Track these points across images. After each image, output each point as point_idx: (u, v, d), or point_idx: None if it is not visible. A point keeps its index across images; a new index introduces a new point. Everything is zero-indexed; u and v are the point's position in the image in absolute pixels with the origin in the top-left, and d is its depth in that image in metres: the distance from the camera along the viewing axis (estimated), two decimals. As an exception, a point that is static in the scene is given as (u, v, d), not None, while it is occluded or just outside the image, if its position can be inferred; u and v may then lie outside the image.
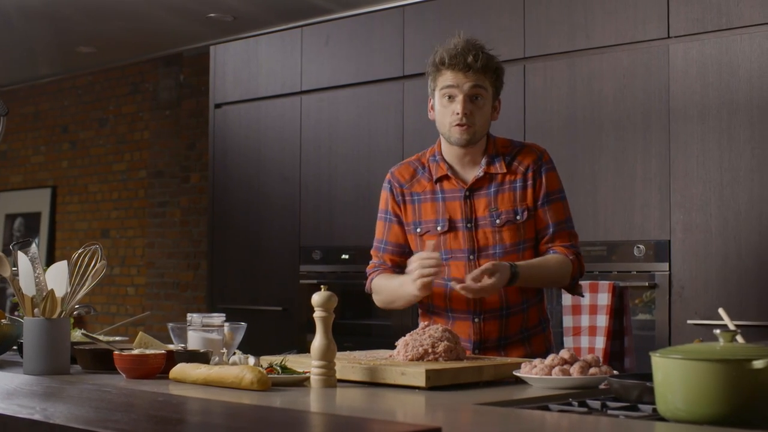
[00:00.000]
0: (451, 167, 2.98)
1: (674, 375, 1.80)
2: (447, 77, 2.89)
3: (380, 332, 5.24)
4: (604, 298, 4.16)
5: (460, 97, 2.87)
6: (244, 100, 5.95)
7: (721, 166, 4.07)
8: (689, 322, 4.09)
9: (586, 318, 4.20)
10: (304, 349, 5.10)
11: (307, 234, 5.55)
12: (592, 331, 4.18)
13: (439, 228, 2.95)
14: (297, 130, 5.64)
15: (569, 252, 2.92)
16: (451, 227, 2.94)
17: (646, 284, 4.21)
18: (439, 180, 2.98)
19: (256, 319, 5.22)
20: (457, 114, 2.87)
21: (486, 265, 2.76)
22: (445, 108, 2.91)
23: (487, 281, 2.73)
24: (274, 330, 5.55)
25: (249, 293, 5.81)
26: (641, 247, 4.24)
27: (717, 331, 1.88)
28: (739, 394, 1.74)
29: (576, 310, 4.22)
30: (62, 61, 7.96)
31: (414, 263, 2.77)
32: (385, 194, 3.09)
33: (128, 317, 8.00)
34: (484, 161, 2.95)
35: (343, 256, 5.37)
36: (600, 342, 4.13)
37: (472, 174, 2.96)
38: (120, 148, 8.31)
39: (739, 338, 2.01)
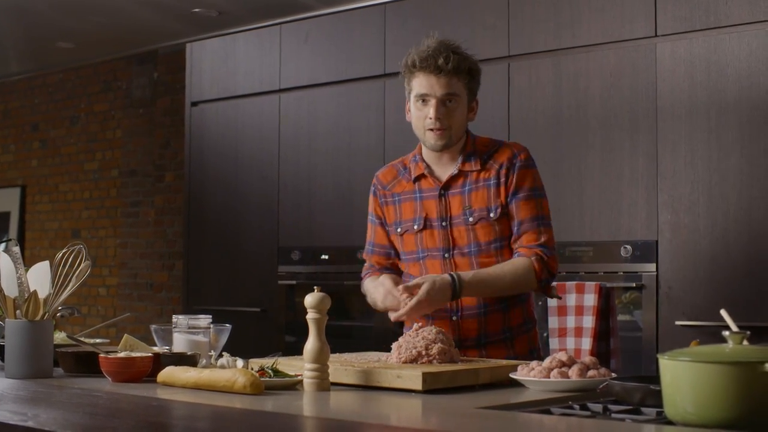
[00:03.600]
0: (428, 166, 2.98)
1: (683, 378, 1.75)
2: (420, 81, 2.89)
3: (361, 334, 5.19)
4: (590, 299, 4.13)
5: (433, 102, 2.86)
6: (221, 98, 5.88)
7: (710, 166, 4.04)
8: (677, 323, 4.07)
9: (572, 319, 4.16)
10: (285, 351, 5.05)
11: (285, 234, 5.49)
12: (578, 332, 4.14)
13: (415, 227, 2.96)
14: (275, 129, 5.58)
15: (532, 252, 2.86)
16: (427, 225, 2.94)
17: (633, 285, 4.19)
18: (417, 179, 2.99)
19: (234, 320, 5.12)
20: (431, 119, 2.87)
21: (416, 280, 2.76)
22: (419, 111, 2.91)
23: (415, 298, 2.71)
24: (252, 332, 5.48)
25: (226, 294, 5.74)
26: (628, 247, 4.21)
27: (726, 333, 1.84)
28: (750, 398, 1.71)
29: (562, 311, 4.18)
30: (38, 57, 7.85)
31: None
32: (371, 197, 3.12)
33: (100, 318, 7.92)
34: (459, 159, 2.95)
35: (323, 257, 5.32)
36: (586, 343, 4.10)
37: (447, 172, 2.96)
38: (91, 147, 8.21)
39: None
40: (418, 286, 2.74)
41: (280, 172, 5.54)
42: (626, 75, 4.29)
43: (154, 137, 7.65)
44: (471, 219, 2.90)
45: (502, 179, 2.90)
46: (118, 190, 7.94)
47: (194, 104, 6.01)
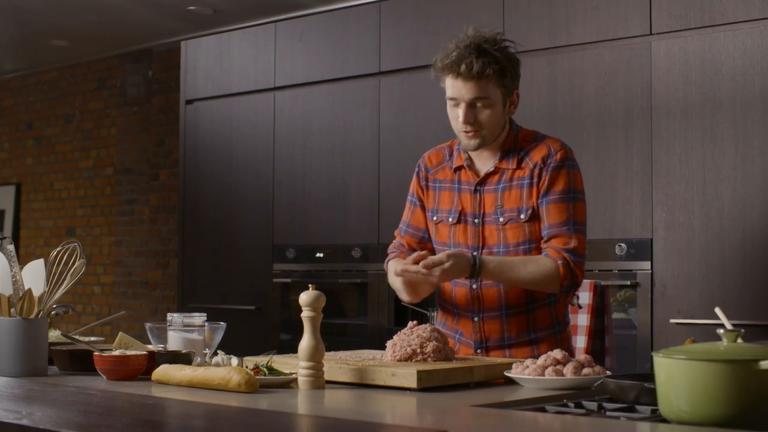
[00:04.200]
0: (469, 158, 2.92)
1: (678, 376, 1.75)
2: (449, 83, 2.82)
3: (355, 332, 5.19)
4: (585, 297, 4.12)
5: (462, 105, 2.80)
6: (216, 96, 5.87)
7: (704, 164, 4.05)
8: (672, 321, 4.07)
9: (567, 317, 4.15)
10: (280, 349, 5.05)
11: (280, 232, 5.49)
12: (573, 330, 4.13)
13: (450, 219, 2.92)
14: (270, 127, 5.57)
15: (559, 256, 2.79)
16: (461, 219, 2.90)
17: (628, 283, 4.19)
18: (458, 170, 2.94)
19: (228, 318, 5.14)
20: (461, 121, 2.81)
21: (440, 255, 2.71)
22: (452, 112, 2.86)
23: (435, 269, 2.67)
24: (247, 330, 5.47)
25: (221, 292, 5.74)
26: (623, 245, 4.21)
27: (720, 331, 1.84)
28: (745, 396, 1.71)
29: (556, 309, 4.18)
30: (32, 55, 7.82)
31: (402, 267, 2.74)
32: (414, 178, 3.06)
33: (94, 316, 7.91)
34: (498, 155, 2.88)
35: (318, 255, 5.31)
36: (581, 341, 4.09)
37: (486, 167, 2.90)
38: (86, 145, 8.20)
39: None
40: (441, 261, 2.69)
41: (274, 170, 5.53)
42: (621, 73, 4.29)
43: (148, 135, 7.64)
44: (501, 219, 2.84)
45: (535, 179, 2.83)
46: (113, 188, 7.93)
47: (189, 102, 6.00)
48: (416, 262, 2.70)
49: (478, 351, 2.87)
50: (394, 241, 3.09)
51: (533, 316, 2.88)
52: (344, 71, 5.28)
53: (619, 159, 4.26)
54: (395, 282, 2.86)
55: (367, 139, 5.14)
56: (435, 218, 2.96)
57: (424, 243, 3.01)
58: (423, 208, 3.01)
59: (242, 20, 6.18)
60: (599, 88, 4.34)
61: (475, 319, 2.88)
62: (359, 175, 5.16)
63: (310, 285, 2.36)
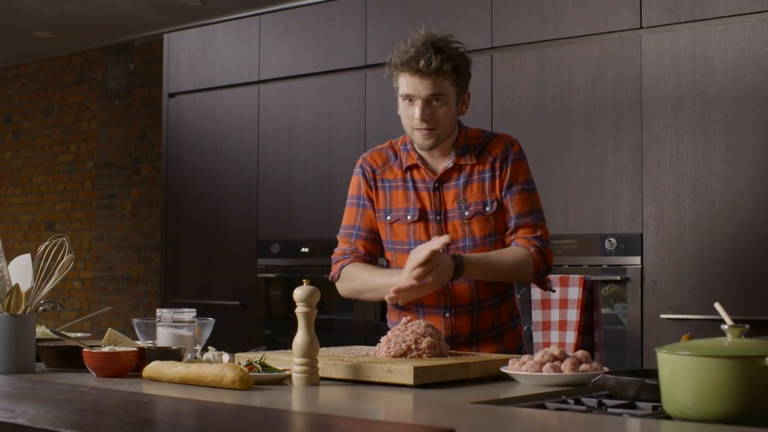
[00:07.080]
0: (421, 157, 2.92)
1: (683, 372, 1.73)
2: (405, 81, 2.81)
3: (342, 327, 5.16)
4: (574, 292, 4.10)
5: (418, 102, 2.79)
6: (199, 89, 5.82)
7: (695, 158, 4.03)
8: (662, 316, 4.06)
9: (557, 312, 4.14)
10: (266, 345, 5.00)
11: (265, 227, 5.44)
12: (563, 325, 4.12)
13: (409, 217, 2.90)
14: (255, 121, 5.53)
15: (530, 244, 2.83)
16: (421, 217, 2.88)
17: (618, 278, 4.17)
18: (409, 169, 2.92)
19: (212, 313, 5.11)
20: (417, 119, 2.80)
21: (425, 254, 2.66)
22: (406, 110, 2.84)
23: (426, 278, 2.65)
24: (231, 325, 5.43)
25: (204, 287, 5.69)
26: (612, 240, 4.20)
27: (725, 327, 1.81)
28: (751, 392, 1.69)
29: (546, 304, 4.16)
30: (15, 47, 7.76)
31: (411, 265, 2.69)
32: (357, 179, 3.00)
33: (75, 312, 7.85)
34: (454, 153, 2.89)
35: (303, 250, 5.27)
36: (570, 337, 4.07)
37: (441, 165, 2.90)
38: (66, 139, 8.13)
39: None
40: (429, 262, 2.65)
41: (259, 165, 5.49)
42: (611, 67, 4.27)
43: (130, 129, 7.58)
44: (467, 213, 2.85)
45: (497, 172, 2.86)
46: (93, 182, 7.87)
47: (171, 95, 5.94)
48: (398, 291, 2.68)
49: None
50: (342, 247, 2.98)
51: (498, 310, 2.91)
52: (329, 65, 5.24)
53: (608, 153, 4.24)
54: (376, 283, 2.85)
55: (352, 133, 5.10)
56: (389, 218, 2.92)
57: (377, 245, 2.98)
58: (374, 208, 2.97)
59: (229, 12, 6.15)
60: (589, 81, 4.32)
61: (446, 315, 2.87)
62: (345, 169, 5.12)
63: (304, 280, 2.32)
